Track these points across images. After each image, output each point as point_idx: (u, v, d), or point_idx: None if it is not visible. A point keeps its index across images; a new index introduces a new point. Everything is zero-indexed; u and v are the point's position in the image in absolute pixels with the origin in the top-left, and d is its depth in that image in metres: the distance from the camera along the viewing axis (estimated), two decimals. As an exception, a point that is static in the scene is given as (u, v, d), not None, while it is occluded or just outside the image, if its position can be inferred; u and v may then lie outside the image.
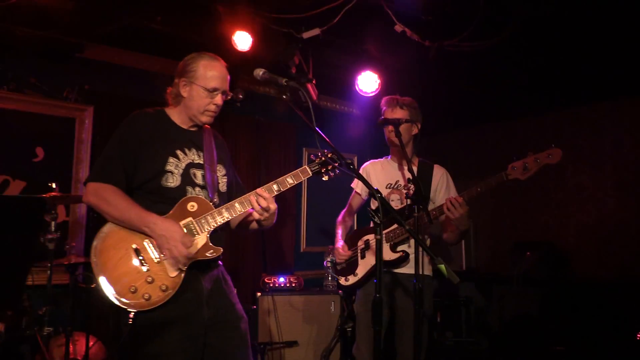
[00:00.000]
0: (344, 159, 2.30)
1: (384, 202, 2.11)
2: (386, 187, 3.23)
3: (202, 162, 2.46)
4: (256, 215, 2.40)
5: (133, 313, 2.22)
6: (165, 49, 4.42)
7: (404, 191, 3.19)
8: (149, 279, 2.24)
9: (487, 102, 5.25)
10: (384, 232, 3.15)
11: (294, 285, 4.26)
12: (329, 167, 2.46)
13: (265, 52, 4.56)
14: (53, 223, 3.00)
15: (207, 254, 2.32)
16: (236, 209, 2.39)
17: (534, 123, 5.38)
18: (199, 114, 2.46)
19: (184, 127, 2.50)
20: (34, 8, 3.63)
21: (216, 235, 2.39)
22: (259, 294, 4.16)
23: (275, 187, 2.44)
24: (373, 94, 4.93)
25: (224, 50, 4.42)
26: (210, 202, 2.38)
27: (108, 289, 2.20)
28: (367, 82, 4.96)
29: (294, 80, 2.41)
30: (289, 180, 2.47)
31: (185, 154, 2.43)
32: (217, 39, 4.41)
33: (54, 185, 3.06)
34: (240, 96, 5.17)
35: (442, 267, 2.04)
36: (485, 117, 5.68)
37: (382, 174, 3.30)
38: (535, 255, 4.89)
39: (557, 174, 5.17)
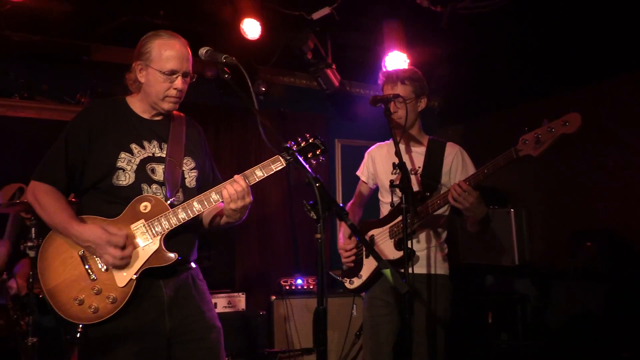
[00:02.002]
0: (288, 150, 1.95)
1: (322, 194, 1.76)
2: (392, 173, 2.84)
3: (164, 155, 2.18)
4: (230, 205, 2.10)
5: (81, 326, 2.07)
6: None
7: (412, 176, 2.80)
8: (96, 290, 2.04)
9: (510, 79, 4.69)
10: (388, 226, 2.79)
11: (311, 287, 3.97)
12: (308, 155, 2.13)
13: (277, 38, 4.30)
14: (33, 230, 2.88)
15: (160, 262, 2.05)
16: (194, 209, 2.10)
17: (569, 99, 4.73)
18: (159, 101, 2.18)
19: (146, 116, 2.22)
20: (31, 13, 3.59)
21: (178, 238, 2.13)
22: (273, 297, 3.91)
23: (214, 195, 2.13)
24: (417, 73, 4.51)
25: (234, 40, 4.23)
26: (167, 201, 2.10)
27: (51, 299, 2.02)
28: (395, 62, 4.56)
29: (230, 58, 2.06)
30: (258, 173, 2.15)
31: (143, 147, 2.18)
32: (225, 29, 4.22)
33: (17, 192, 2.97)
34: (263, 88, 5.03)
35: (387, 272, 1.68)
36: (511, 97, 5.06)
37: (387, 157, 2.88)
38: (596, 245, 4.28)
39: (619, 151, 4.49)
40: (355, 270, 2.89)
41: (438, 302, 2.73)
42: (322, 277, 1.80)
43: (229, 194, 2.08)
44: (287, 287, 4.00)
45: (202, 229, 2.34)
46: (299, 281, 4.04)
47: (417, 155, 2.86)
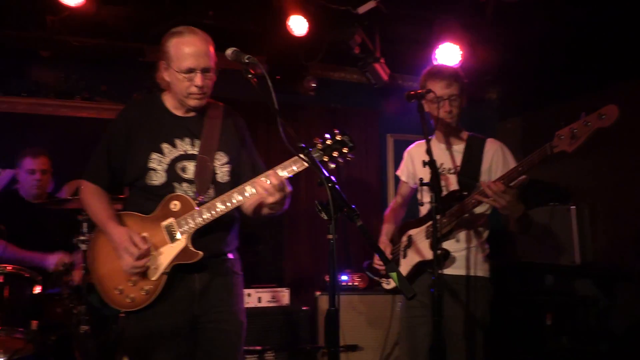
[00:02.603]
0: (303, 150, 1.92)
1: (334, 194, 1.73)
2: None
3: (195, 152, 2.24)
4: (268, 199, 2.12)
5: (123, 312, 2.29)
6: (221, 43, 4.35)
7: (449, 175, 2.72)
8: (132, 281, 2.19)
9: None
10: (425, 226, 2.72)
11: (356, 283, 3.94)
12: (334, 154, 2.10)
13: (324, 34, 4.29)
14: (85, 224, 3.05)
15: (187, 259, 2.17)
16: (217, 209, 2.16)
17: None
18: (184, 98, 2.23)
19: (179, 113, 2.29)
20: (88, 18, 3.77)
21: (210, 233, 2.21)
22: (318, 293, 3.91)
23: (236, 195, 2.18)
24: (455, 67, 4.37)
25: (281, 38, 4.26)
26: (195, 199, 2.19)
27: (98, 286, 2.23)
28: (447, 54, 4.43)
29: (249, 57, 2.05)
30: (280, 174, 2.14)
31: (175, 145, 2.24)
32: (272, 26, 4.25)
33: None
34: (313, 84, 5.03)
35: (394, 275, 1.63)
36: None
37: (425, 156, 2.82)
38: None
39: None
40: (391, 271, 2.84)
41: (477, 305, 2.63)
42: (333, 277, 1.79)
43: (264, 189, 2.09)
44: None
45: (246, 220, 2.39)
46: (344, 277, 4.02)
47: (456, 154, 2.77)
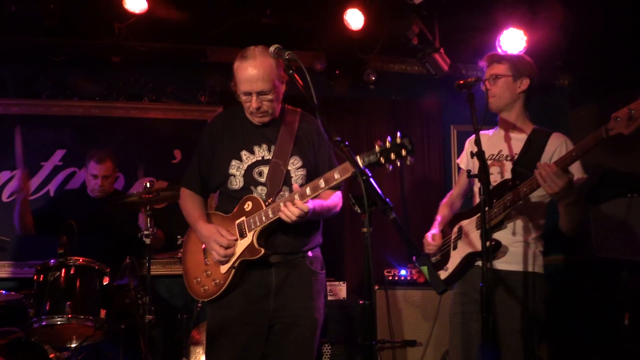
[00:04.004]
0: (338, 144, 1.92)
1: (368, 188, 1.71)
2: (488, 159, 2.67)
3: (271, 157, 2.43)
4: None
5: (200, 303, 2.76)
6: (280, 41, 4.41)
7: (506, 162, 2.63)
8: (208, 273, 2.46)
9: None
10: (476, 216, 2.64)
11: (415, 278, 3.88)
12: (391, 157, 2.09)
13: (381, 26, 4.24)
14: (149, 220, 3.24)
15: (251, 255, 2.34)
16: (277, 210, 2.28)
17: None
18: (249, 116, 2.45)
19: (257, 122, 2.46)
20: (152, 23, 3.96)
21: (285, 232, 2.36)
22: (375, 287, 3.89)
23: (308, 191, 2.26)
24: (519, 54, 4.18)
25: (338, 32, 4.27)
26: (265, 201, 2.36)
27: (185, 278, 2.56)
28: (511, 41, 4.26)
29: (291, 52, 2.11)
30: (321, 185, 2.24)
31: (253, 152, 2.45)
32: (329, 22, 4.26)
33: (148, 185, 3.29)
34: (372, 78, 4.99)
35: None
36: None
37: (486, 145, 2.70)
38: None
39: None
40: (442, 263, 2.77)
41: (533, 303, 2.52)
42: (369, 272, 1.78)
43: (286, 216, 2.23)
44: (390, 278, 3.96)
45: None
46: (403, 272, 3.97)
47: (516, 142, 2.66)
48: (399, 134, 2.05)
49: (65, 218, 3.72)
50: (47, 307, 3.02)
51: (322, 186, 2.23)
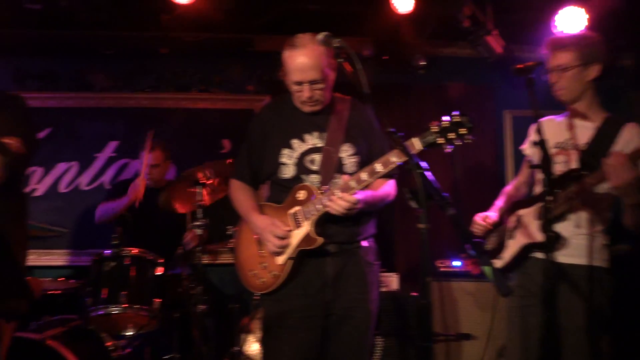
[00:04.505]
0: (392, 135, 1.85)
1: (425, 182, 1.63)
2: (554, 147, 2.53)
3: (322, 145, 2.37)
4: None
5: (257, 295, 2.61)
6: (326, 27, 4.34)
7: (573, 151, 2.47)
8: (264, 265, 2.38)
9: None
10: (536, 206, 2.50)
11: (469, 269, 3.74)
12: (450, 136, 2.02)
13: (430, 9, 4.10)
14: (200, 210, 3.28)
15: (309, 245, 2.28)
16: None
17: None
18: (300, 105, 2.39)
19: (307, 109, 2.41)
20: (198, 13, 3.96)
21: (338, 220, 2.28)
22: (428, 279, 3.78)
23: (353, 183, 2.21)
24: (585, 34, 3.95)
25: (386, 16, 4.16)
26: (319, 189, 2.30)
27: (239, 270, 2.48)
28: (570, 20, 4.03)
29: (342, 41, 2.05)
30: (377, 169, 2.18)
31: (304, 140, 2.40)
32: (376, 6, 4.16)
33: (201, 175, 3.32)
34: (422, 63, 4.86)
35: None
36: None
37: (554, 132, 2.56)
38: None
39: None
40: (497, 252, 2.66)
41: (597, 298, 2.36)
42: (425, 269, 1.72)
43: (335, 210, 2.19)
44: (443, 269, 3.86)
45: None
46: (457, 263, 3.86)
47: (586, 130, 2.50)
48: (455, 112, 2.01)
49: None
50: (104, 297, 3.09)
51: (378, 170, 2.17)
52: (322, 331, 2.36)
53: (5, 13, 3.69)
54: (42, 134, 4.38)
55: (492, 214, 2.70)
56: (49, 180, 4.43)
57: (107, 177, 4.51)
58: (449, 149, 2.03)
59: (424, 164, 1.75)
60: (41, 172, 4.43)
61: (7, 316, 2.04)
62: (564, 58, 2.46)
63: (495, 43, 4.21)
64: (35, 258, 4.27)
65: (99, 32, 4.13)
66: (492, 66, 4.61)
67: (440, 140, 2.01)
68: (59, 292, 3.52)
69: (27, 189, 4.36)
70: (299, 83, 2.29)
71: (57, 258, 4.38)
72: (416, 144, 2.07)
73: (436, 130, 2.02)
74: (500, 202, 2.79)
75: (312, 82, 2.28)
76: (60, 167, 4.46)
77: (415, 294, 3.65)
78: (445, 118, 2.02)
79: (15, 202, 2.18)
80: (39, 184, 4.41)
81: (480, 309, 3.70)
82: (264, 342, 2.50)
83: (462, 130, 1.98)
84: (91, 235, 4.28)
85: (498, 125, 4.92)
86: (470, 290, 3.76)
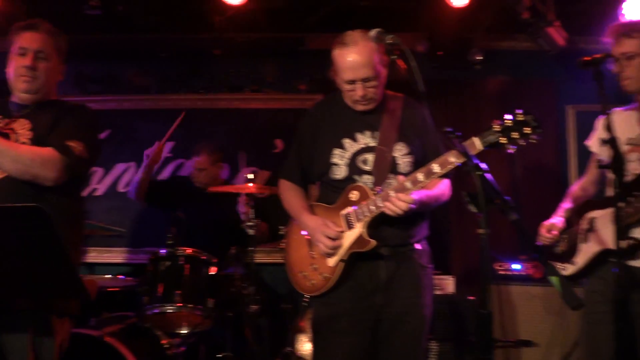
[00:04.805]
0: (449, 135, 1.76)
1: (485, 184, 1.54)
2: (626, 143, 2.38)
3: (376, 144, 2.31)
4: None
5: (307, 297, 2.55)
6: (379, 23, 4.26)
7: None
8: (315, 266, 2.34)
9: None
10: (610, 209, 2.34)
11: (530, 272, 3.57)
12: (513, 135, 1.92)
13: (487, 1, 3.95)
14: (252, 211, 3.30)
15: (361, 247, 2.23)
16: (386, 199, 2.17)
17: None
18: (353, 104, 2.33)
19: (359, 108, 2.35)
20: (250, 13, 3.98)
21: (392, 223, 2.23)
22: (489, 287, 3.64)
23: (408, 184, 2.13)
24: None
25: (440, 10, 4.04)
26: (373, 190, 2.24)
27: (288, 271, 2.45)
28: (637, 8, 3.78)
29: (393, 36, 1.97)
30: (434, 169, 2.10)
31: (356, 140, 2.34)
32: (430, 0, 4.05)
33: (251, 176, 3.32)
34: (479, 57, 4.70)
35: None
36: None
37: (624, 126, 2.40)
38: None
39: None
40: (569, 255, 2.51)
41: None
42: (485, 277, 1.63)
43: (392, 211, 2.12)
44: (503, 272, 3.69)
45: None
46: (516, 266, 3.68)
47: None
48: (519, 110, 1.91)
49: (174, 199, 3.90)
50: (159, 295, 3.14)
51: (435, 171, 2.09)
52: (373, 336, 2.29)
53: (66, 19, 3.80)
54: (102, 136, 4.53)
55: (558, 220, 2.55)
56: (108, 180, 4.58)
57: (163, 177, 4.60)
58: (511, 149, 1.93)
59: (483, 165, 1.65)
60: (101, 172, 4.58)
61: (58, 313, 2.09)
62: (629, 45, 2.33)
63: (557, 35, 4.02)
64: (96, 255, 4.45)
65: (155, 35, 4.23)
66: (553, 59, 4.42)
67: (503, 140, 1.91)
68: (117, 289, 3.62)
69: (88, 189, 4.53)
70: (351, 82, 2.24)
71: (116, 255, 4.52)
72: (477, 143, 1.98)
73: (498, 129, 1.93)
74: (566, 204, 2.64)
75: (364, 80, 2.22)
76: (119, 167, 4.60)
77: (472, 297, 3.53)
78: (508, 116, 1.92)
79: (72, 204, 2.23)
80: (99, 183, 4.57)
81: (542, 315, 3.53)
82: (313, 345, 2.45)
83: (527, 130, 1.89)
84: (148, 233, 4.39)
85: (560, 121, 4.69)
86: (530, 295, 3.58)
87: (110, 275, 3.74)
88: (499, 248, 3.97)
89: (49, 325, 2.05)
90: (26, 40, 2.21)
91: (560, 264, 2.53)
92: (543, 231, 2.56)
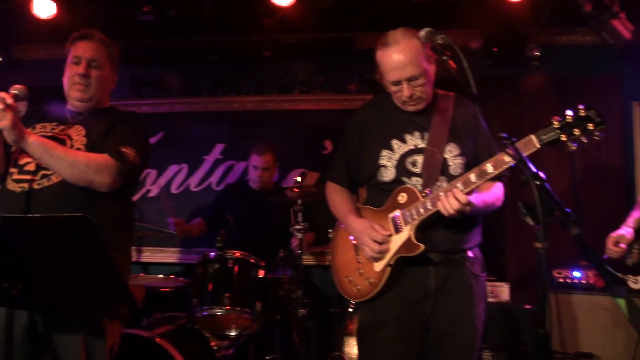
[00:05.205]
0: (504, 141, 1.66)
1: (544, 195, 1.44)
2: None
3: (425, 146, 2.23)
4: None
5: (353, 302, 2.52)
6: (430, 21, 4.13)
7: None
8: (361, 271, 2.28)
9: None
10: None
11: (591, 281, 3.36)
12: (575, 132, 1.80)
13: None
14: (300, 214, 3.28)
15: (408, 252, 2.14)
16: (436, 201, 2.08)
17: None
18: (402, 105, 2.25)
19: (408, 108, 2.27)
20: (298, 14, 3.96)
21: (443, 231, 2.16)
22: (547, 304, 3.46)
23: (473, 177, 2.03)
24: None
25: (495, 6, 3.90)
26: (422, 192, 2.15)
27: (334, 276, 2.41)
28: None
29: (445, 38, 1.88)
30: (488, 170, 2.00)
31: (405, 141, 2.27)
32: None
33: (299, 179, 3.30)
34: (536, 53, 4.52)
35: (621, 302, 1.28)
36: None
37: None
38: None
39: None
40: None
41: None
42: (543, 296, 1.52)
43: (445, 208, 2.02)
44: (562, 280, 3.50)
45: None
46: (577, 274, 3.48)
47: None
48: (581, 106, 1.79)
49: (229, 210, 3.91)
50: (208, 298, 3.17)
51: (489, 171, 1.98)
52: (420, 346, 2.20)
53: (120, 25, 3.92)
54: (155, 138, 4.64)
55: (627, 232, 2.40)
56: (161, 182, 4.68)
57: (214, 178, 4.67)
58: (573, 146, 1.80)
59: (542, 174, 1.54)
60: (155, 174, 4.69)
61: (110, 316, 2.13)
62: None
63: (623, 27, 3.79)
64: (150, 255, 4.59)
65: (205, 38, 4.28)
66: (618, 53, 4.16)
67: (563, 137, 1.79)
68: (169, 289, 3.69)
69: (142, 190, 4.65)
70: (397, 82, 2.16)
71: (168, 255, 4.62)
72: (534, 141, 1.86)
73: (558, 126, 1.80)
74: (636, 213, 2.47)
75: (410, 79, 2.14)
76: (172, 169, 4.70)
77: (528, 306, 3.36)
78: (569, 112, 1.80)
79: (123, 209, 2.27)
80: (152, 185, 4.68)
81: (605, 327, 3.31)
82: (359, 352, 2.39)
83: (590, 126, 1.76)
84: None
85: (626, 119, 4.41)
86: (594, 305, 3.37)
87: (162, 275, 3.81)
88: (559, 253, 3.79)
89: (100, 328, 2.10)
90: (80, 50, 2.26)
91: (631, 276, 2.37)
92: (610, 244, 2.41)
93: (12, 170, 2.18)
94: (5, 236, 1.57)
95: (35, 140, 2.07)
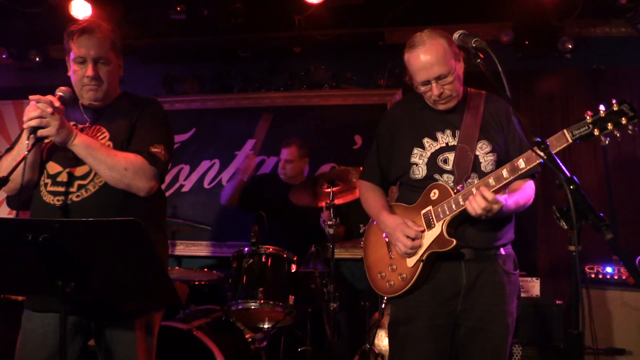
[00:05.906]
0: (537, 145, 1.67)
1: (578, 199, 1.45)
2: None
3: (456, 143, 2.26)
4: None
5: (385, 298, 2.51)
6: (460, 15, 4.11)
7: None
8: (393, 267, 2.31)
9: None
10: None
11: (624, 277, 3.33)
12: (608, 126, 1.81)
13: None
14: (331, 210, 3.34)
15: (440, 247, 2.17)
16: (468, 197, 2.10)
17: None
18: (433, 105, 2.29)
19: (440, 107, 2.30)
20: (328, 10, 3.99)
21: (475, 228, 2.19)
22: (581, 306, 3.44)
23: (492, 181, 2.05)
24: None
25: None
26: (454, 188, 2.18)
27: (367, 272, 2.45)
28: None
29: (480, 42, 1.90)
30: (520, 165, 2.01)
31: (436, 139, 2.30)
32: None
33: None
34: (569, 46, 4.46)
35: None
36: None
37: None
38: None
39: None
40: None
41: None
42: (577, 297, 1.54)
43: (472, 208, 2.04)
44: (593, 276, 3.48)
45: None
46: (609, 269, 3.46)
47: None
48: (614, 100, 1.79)
49: (263, 197, 4.00)
50: (243, 292, 3.24)
51: (522, 167, 2.00)
52: (452, 343, 2.23)
53: (154, 24, 4.01)
54: (187, 135, 4.74)
55: None
56: (194, 177, 4.77)
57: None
58: (605, 141, 1.80)
59: (576, 179, 1.55)
60: (187, 169, 4.78)
61: (157, 309, 2.23)
62: None
63: (658, 21, 3.70)
64: (184, 248, 4.69)
65: (236, 36, 4.34)
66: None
67: (596, 132, 1.79)
68: (203, 282, 3.79)
69: (176, 185, 4.75)
70: (426, 82, 2.19)
71: (202, 249, 4.71)
72: (567, 136, 1.87)
73: (591, 120, 1.81)
74: None
75: (438, 78, 2.16)
76: (205, 164, 4.78)
77: (559, 302, 3.36)
78: (602, 107, 1.80)
79: (157, 203, 2.30)
80: (186, 180, 4.78)
81: (636, 321, 3.30)
82: (390, 347, 2.43)
83: (623, 120, 1.76)
84: (232, 228, 4.56)
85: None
86: (628, 300, 3.34)
87: (197, 269, 3.91)
88: (591, 247, 3.76)
89: (151, 321, 2.18)
90: (83, 49, 2.16)
91: None
92: None
93: (46, 180, 2.14)
94: (59, 239, 1.65)
95: (80, 141, 2.07)
